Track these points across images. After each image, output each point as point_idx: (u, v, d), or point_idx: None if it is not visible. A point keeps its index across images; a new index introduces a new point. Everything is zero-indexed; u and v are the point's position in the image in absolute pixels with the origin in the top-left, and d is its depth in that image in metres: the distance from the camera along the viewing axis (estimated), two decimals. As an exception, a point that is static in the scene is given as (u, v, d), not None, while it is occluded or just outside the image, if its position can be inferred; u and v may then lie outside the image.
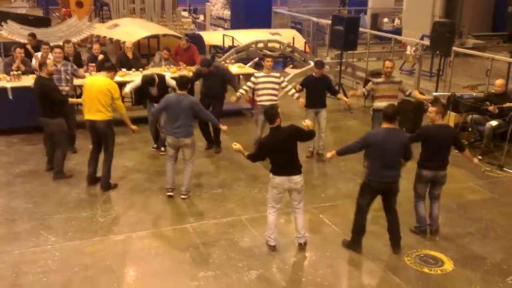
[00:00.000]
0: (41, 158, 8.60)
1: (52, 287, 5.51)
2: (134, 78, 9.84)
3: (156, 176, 8.17)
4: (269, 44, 14.05)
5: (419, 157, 6.44)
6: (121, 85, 10.61)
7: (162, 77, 8.71)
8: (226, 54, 13.42)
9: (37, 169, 8.30)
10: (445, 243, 6.51)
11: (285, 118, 6.18)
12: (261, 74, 8.71)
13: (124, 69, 10.65)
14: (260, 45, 13.80)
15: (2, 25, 13.81)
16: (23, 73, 9.88)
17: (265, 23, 18.06)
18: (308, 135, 6.24)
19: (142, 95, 9.24)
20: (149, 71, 10.18)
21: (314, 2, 23.10)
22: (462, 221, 7.11)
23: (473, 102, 9.47)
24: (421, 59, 12.66)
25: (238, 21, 18.76)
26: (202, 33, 17.18)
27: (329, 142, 9.44)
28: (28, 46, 10.96)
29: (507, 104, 9.00)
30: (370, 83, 8.79)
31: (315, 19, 17.32)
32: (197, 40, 14.74)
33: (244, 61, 12.94)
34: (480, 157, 9.10)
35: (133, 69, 10.74)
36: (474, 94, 10.63)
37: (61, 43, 10.49)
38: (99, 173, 7.77)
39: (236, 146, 6.18)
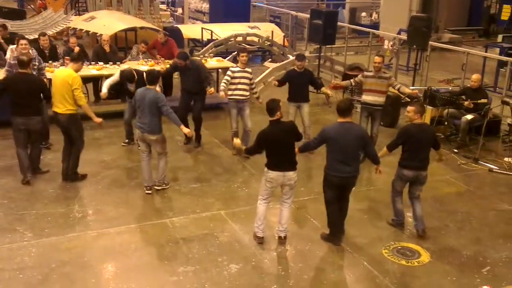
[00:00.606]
0: (16, 152, 8.42)
1: (29, 283, 5.43)
2: (112, 71, 9.73)
3: (135, 171, 8.10)
4: (248, 38, 14.06)
5: (400, 157, 6.49)
6: (98, 78, 10.57)
7: (140, 73, 8.62)
8: (205, 48, 13.36)
9: (12, 164, 8.13)
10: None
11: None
12: (237, 68, 8.72)
13: (101, 63, 10.51)
14: (239, 38, 13.79)
15: (-26, 17, 13.52)
16: (-5, 66, 9.57)
17: (244, 17, 18.00)
18: (301, 136, 6.34)
19: (119, 90, 9.11)
20: (127, 65, 10.07)
21: (293, -5, 23.13)
22: (438, 214, 7.22)
23: (449, 96, 9.58)
24: (398, 53, 12.77)
25: (217, 15, 18.66)
26: (180, 26, 17.04)
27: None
28: None
29: (481, 100, 9.14)
30: (360, 75, 8.82)
31: (293, 13, 17.35)
32: (175, 33, 14.62)
33: (223, 54, 12.90)
34: (456, 150, 9.28)
35: (110, 63, 10.59)
36: (450, 88, 10.78)
37: (31, 36, 10.20)
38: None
39: (237, 141, 6.77)
